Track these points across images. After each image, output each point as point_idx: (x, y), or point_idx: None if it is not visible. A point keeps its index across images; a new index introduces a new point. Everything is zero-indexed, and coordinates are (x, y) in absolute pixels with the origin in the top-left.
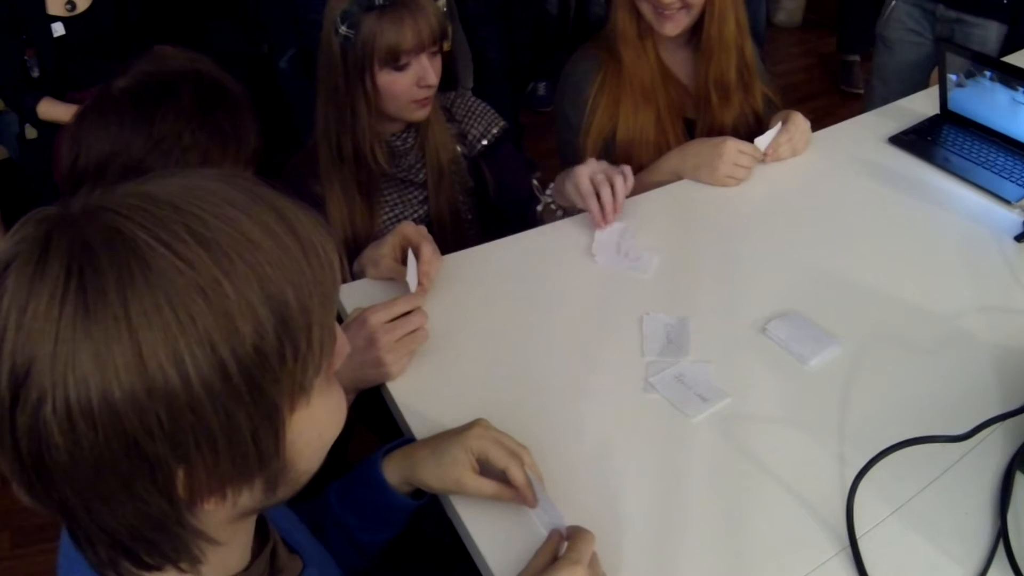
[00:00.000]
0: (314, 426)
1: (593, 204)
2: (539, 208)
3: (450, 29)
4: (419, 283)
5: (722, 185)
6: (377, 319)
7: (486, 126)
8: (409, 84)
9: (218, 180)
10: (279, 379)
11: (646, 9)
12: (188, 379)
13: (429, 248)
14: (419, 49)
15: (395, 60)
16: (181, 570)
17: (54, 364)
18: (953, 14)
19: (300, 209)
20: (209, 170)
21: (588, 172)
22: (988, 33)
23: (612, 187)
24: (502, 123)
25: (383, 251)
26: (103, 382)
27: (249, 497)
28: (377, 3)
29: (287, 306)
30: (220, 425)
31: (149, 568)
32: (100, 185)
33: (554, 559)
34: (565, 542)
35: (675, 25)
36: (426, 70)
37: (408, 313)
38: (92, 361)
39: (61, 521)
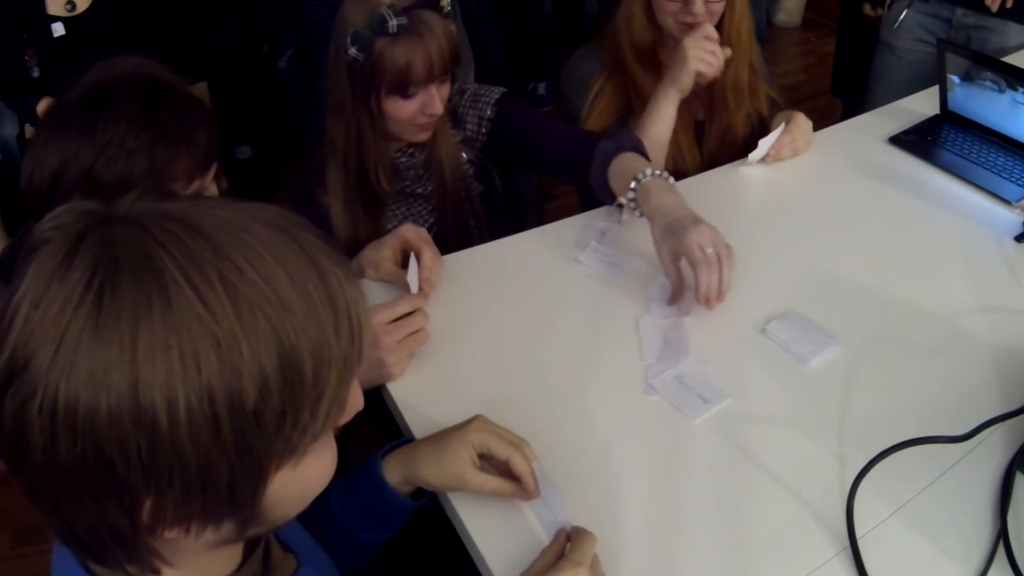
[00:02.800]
0: (298, 484)
1: (704, 279)
2: (624, 200)
3: (453, 29)
4: (420, 288)
5: (700, 73)
6: (379, 320)
7: (479, 116)
8: (414, 111)
9: (267, 224)
10: (271, 442)
11: (670, 24)
12: (177, 422)
13: (430, 253)
14: (428, 80)
15: (404, 89)
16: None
17: (51, 368)
18: (972, 19)
19: (344, 273)
20: (267, 209)
21: (699, 241)
22: (1006, 38)
23: (720, 266)
24: (495, 96)
25: (383, 254)
26: (93, 402)
27: (215, 534)
28: (391, 30)
29: (301, 375)
30: (198, 470)
31: (104, 565)
32: (60, 199)
33: (559, 559)
34: (569, 543)
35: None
36: (433, 99)
37: (410, 314)
38: (87, 378)
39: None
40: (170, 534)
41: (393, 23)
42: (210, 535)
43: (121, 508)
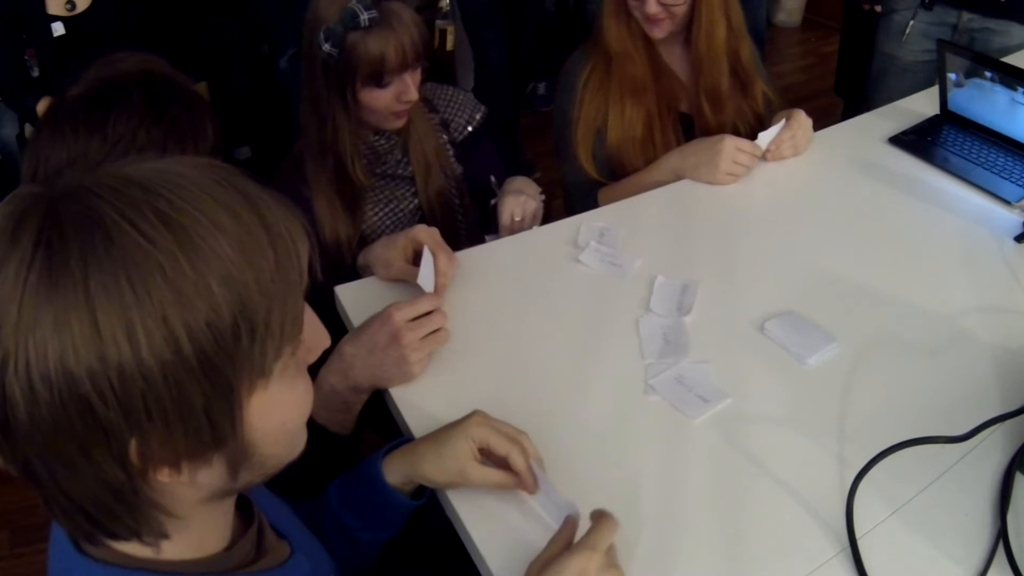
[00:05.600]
0: (275, 412)
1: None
2: (493, 202)
3: (452, 29)
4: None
5: (722, 183)
6: (401, 316)
7: (470, 113)
8: (390, 100)
9: (192, 166)
10: (234, 358)
11: (637, 15)
12: (139, 349)
13: (444, 257)
14: (402, 68)
15: (378, 79)
16: (146, 543)
17: (18, 328)
18: (977, 23)
19: (272, 198)
20: (186, 157)
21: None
22: (1009, 39)
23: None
24: (482, 108)
25: (394, 253)
26: (60, 347)
27: (208, 476)
28: (362, 23)
29: (246, 287)
30: (171, 397)
31: (117, 538)
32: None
33: (568, 547)
34: (577, 532)
35: (661, 30)
36: (407, 87)
37: (429, 313)
38: (51, 327)
39: (32, 485)
40: (163, 475)
41: (364, 17)
42: (204, 478)
43: (111, 455)
